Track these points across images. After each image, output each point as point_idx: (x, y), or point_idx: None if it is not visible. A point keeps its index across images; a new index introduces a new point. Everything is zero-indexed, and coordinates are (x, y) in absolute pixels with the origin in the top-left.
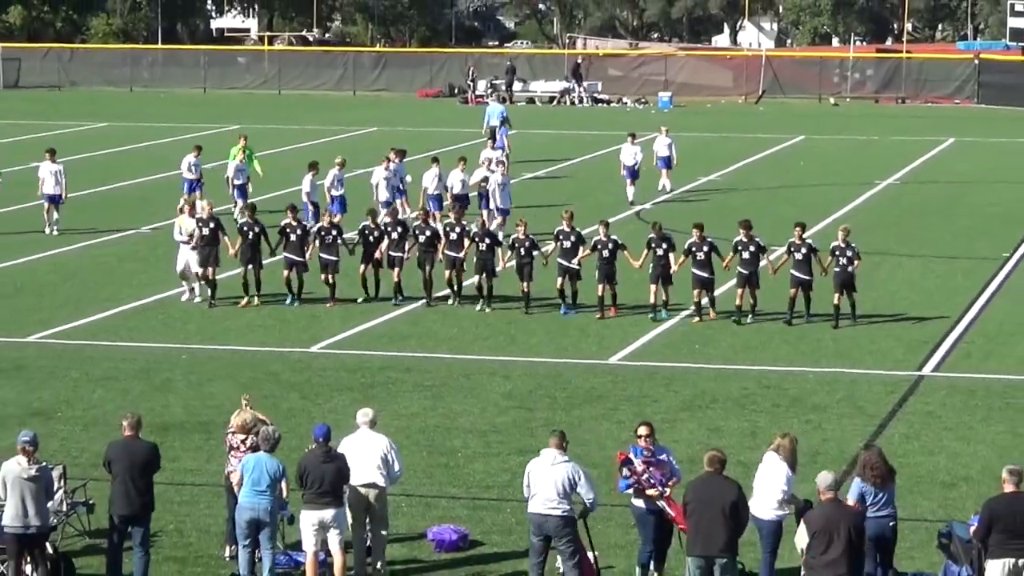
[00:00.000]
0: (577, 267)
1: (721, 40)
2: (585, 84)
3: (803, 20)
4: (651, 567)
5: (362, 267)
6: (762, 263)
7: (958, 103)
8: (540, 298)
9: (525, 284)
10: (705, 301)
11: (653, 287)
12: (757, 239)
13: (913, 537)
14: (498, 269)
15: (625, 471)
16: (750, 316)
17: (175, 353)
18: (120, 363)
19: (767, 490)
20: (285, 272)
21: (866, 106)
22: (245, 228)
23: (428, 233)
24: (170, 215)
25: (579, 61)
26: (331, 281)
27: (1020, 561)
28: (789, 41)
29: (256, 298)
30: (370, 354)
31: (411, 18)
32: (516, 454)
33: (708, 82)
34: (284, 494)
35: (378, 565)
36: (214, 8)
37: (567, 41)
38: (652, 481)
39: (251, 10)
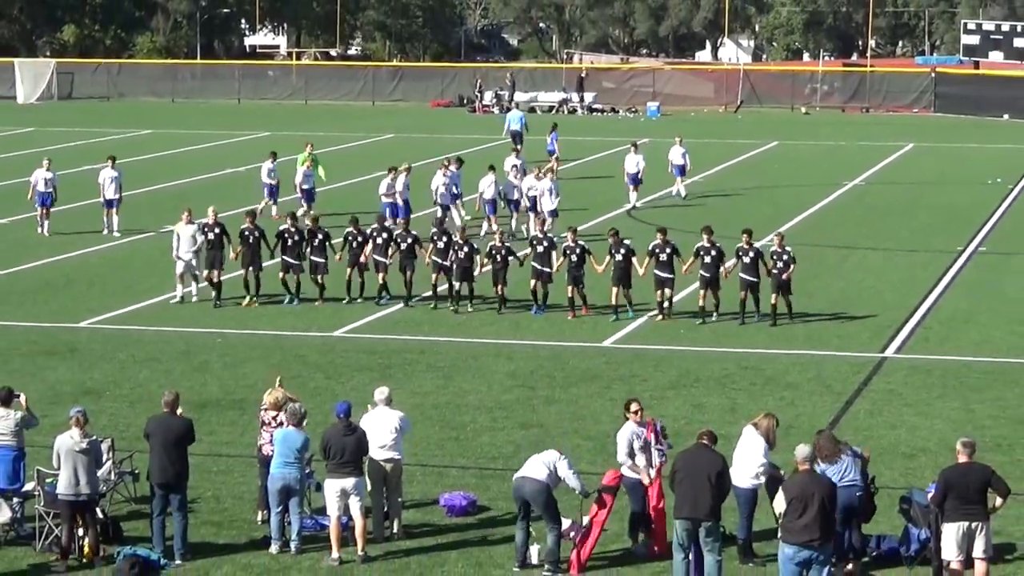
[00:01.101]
0: (549, 270)
1: (703, 55)
2: (587, 95)
3: (777, 37)
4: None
5: (348, 271)
6: (721, 269)
7: (916, 112)
8: (514, 300)
9: (500, 287)
10: (665, 304)
11: (615, 289)
12: (719, 244)
13: (877, 503)
14: (476, 274)
15: (661, 443)
16: (714, 315)
17: (212, 337)
18: (163, 346)
19: (745, 461)
20: (281, 274)
21: (834, 115)
22: (246, 233)
23: (409, 240)
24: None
25: (582, 75)
26: (320, 281)
27: (973, 524)
28: (764, 56)
29: (256, 298)
30: (387, 338)
31: (425, 36)
32: (519, 428)
33: (692, 93)
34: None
35: (395, 528)
36: (248, 27)
37: (565, 56)
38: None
39: (281, 28)
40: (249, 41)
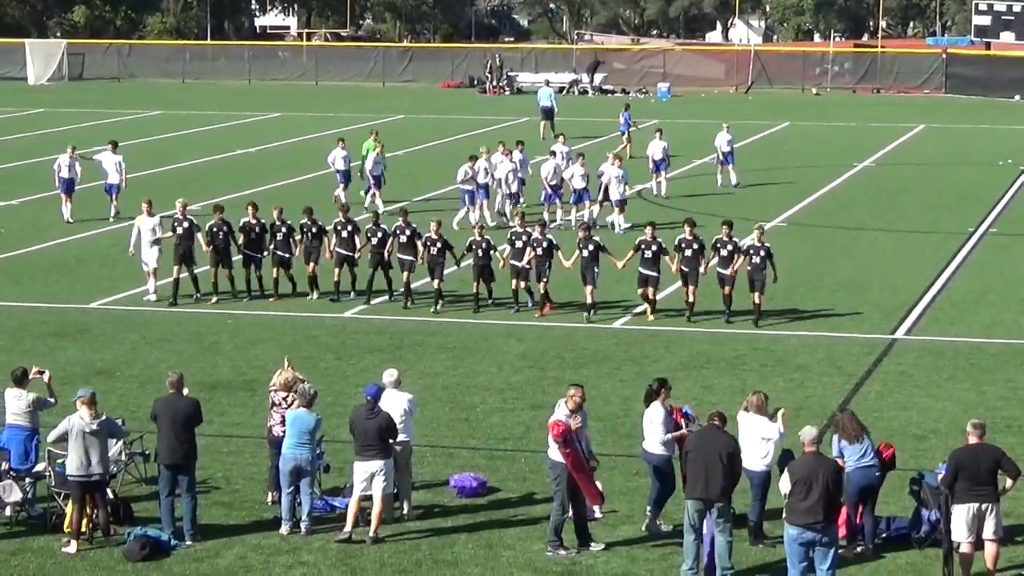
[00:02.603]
0: (527, 267)
1: (714, 36)
2: (597, 76)
3: (788, 18)
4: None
5: (311, 266)
6: (701, 267)
7: (927, 93)
8: (497, 299)
9: (485, 285)
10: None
11: (587, 288)
12: (700, 238)
13: (887, 484)
14: (448, 271)
15: (691, 426)
16: (687, 313)
17: (222, 318)
18: (173, 327)
19: (752, 444)
20: (244, 268)
21: (845, 96)
22: (215, 228)
23: (379, 235)
24: (218, 195)
25: (598, 59)
26: (279, 276)
27: (983, 506)
28: (775, 37)
29: (215, 296)
30: (398, 319)
31: (435, 16)
32: (529, 409)
33: (702, 74)
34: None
35: (405, 509)
36: (258, 7)
37: (575, 37)
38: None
39: (291, 9)
40: (259, 22)
